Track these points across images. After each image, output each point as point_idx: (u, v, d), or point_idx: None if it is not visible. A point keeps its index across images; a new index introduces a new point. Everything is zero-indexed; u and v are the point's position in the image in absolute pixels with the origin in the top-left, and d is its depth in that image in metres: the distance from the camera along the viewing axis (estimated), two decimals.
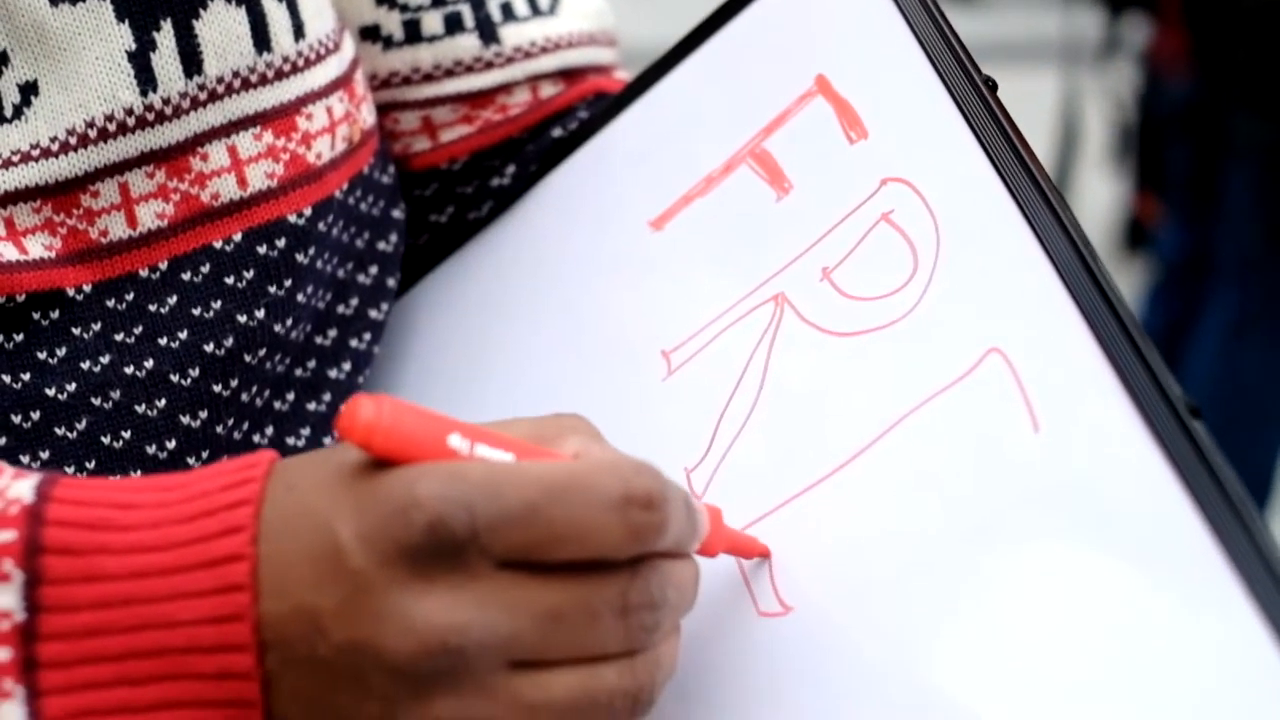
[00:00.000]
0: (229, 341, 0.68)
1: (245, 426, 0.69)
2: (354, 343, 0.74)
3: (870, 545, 0.59)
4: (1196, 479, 0.53)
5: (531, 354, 0.73)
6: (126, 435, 0.65)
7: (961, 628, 0.56)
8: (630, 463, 0.55)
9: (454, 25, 0.77)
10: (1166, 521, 0.53)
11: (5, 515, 0.55)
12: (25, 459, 0.63)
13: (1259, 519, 0.52)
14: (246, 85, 0.68)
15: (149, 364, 0.66)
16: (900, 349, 0.61)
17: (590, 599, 0.54)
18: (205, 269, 0.67)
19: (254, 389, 0.69)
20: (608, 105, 0.76)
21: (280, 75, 0.69)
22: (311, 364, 0.72)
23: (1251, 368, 2.88)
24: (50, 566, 0.54)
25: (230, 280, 0.68)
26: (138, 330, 0.66)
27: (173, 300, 0.67)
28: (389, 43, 0.77)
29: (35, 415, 0.64)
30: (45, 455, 0.64)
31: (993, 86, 0.63)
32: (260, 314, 0.68)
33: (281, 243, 0.69)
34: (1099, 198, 4.56)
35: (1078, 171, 4.36)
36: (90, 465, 0.65)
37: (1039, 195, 0.60)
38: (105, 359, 0.65)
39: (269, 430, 0.70)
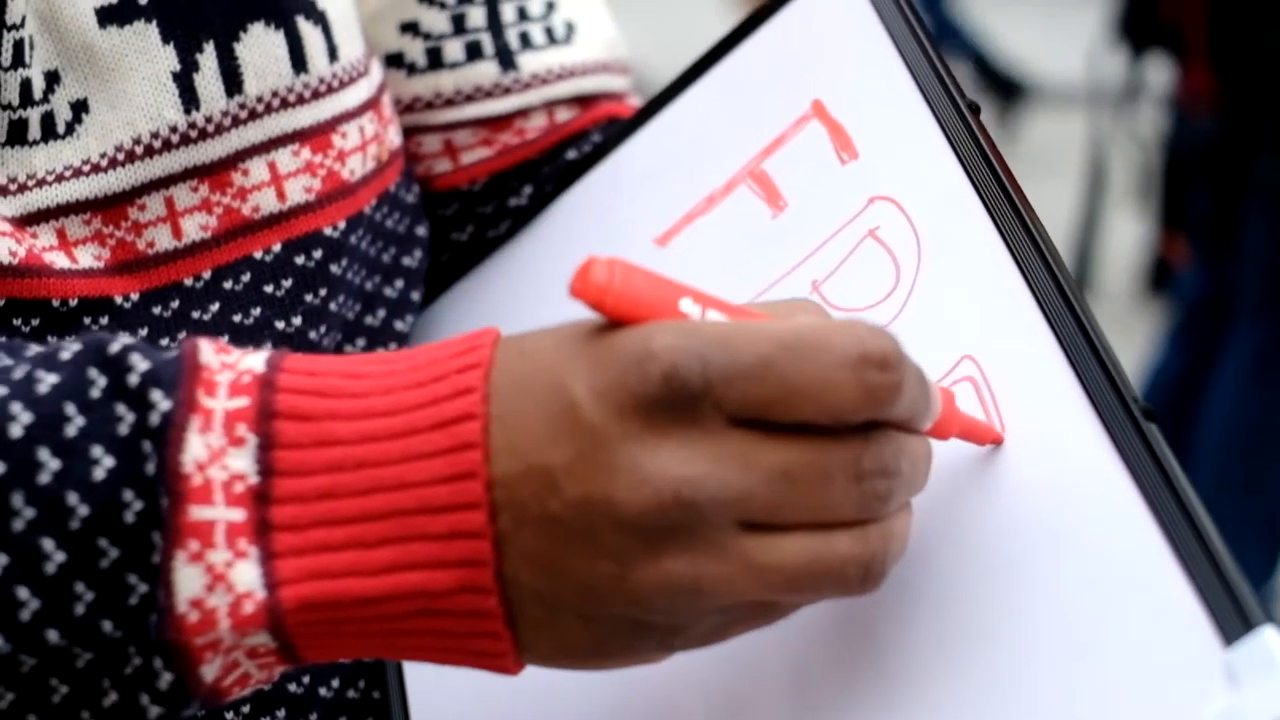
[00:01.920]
0: (267, 347, 0.70)
1: None
2: (380, 352, 0.78)
3: None
4: (1148, 477, 0.57)
5: None
6: None
7: (925, 618, 0.60)
8: (866, 324, 0.55)
9: (474, 53, 0.81)
10: (1119, 517, 0.57)
11: (238, 384, 0.56)
12: None
13: (1205, 517, 0.56)
14: (285, 104, 0.72)
15: None
16: None
17: (824, 461, 0.54)
18: (246, 278, 0.71)
19: None
20: (619, 129, 0.80)
21: (316, 95, 0.73)
22: None
23: (1271, 408, 2.89)
24: (283, 431, 0.55)
25: (269, 289, 0.72)
26: (182, 336, 0.69)
27: (215, 308, 0.70)
28: (412, 69, 0.81)
29: None
30: None
31: (976, 110, 0.67)
32: (297, 321, 0.72)
33: (318, 254, 0.73)
34: (1125, 239, 4.56)
35: (1105, 213, 4.37)
36: None
37: (1014, 213, 0.64)
38: None
39: None
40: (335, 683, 0.75)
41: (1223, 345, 2.97)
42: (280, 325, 0.72)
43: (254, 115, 0.71)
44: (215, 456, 0.55)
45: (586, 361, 0.54)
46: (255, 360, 0.57)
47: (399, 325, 0.79)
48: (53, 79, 0.67)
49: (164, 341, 0.69)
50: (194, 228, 0.70)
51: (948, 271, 0.65)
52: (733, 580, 0.54)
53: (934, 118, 0.67)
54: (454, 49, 0.81)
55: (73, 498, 0.55)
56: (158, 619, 0.54)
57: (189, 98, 0.69)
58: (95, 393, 0.56)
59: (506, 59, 0.81)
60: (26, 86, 0.66)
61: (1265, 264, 2.86)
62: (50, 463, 0.55)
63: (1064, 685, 0.56)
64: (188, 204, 0.70)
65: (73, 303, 0.67)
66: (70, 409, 0.55)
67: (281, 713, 0.72)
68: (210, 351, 0.57)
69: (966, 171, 0.66)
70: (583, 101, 0.84)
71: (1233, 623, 0.54)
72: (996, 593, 0.59)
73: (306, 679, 0.73)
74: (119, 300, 0.68)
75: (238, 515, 0.54)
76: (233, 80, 0.70)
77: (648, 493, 0.52)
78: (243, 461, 0.55)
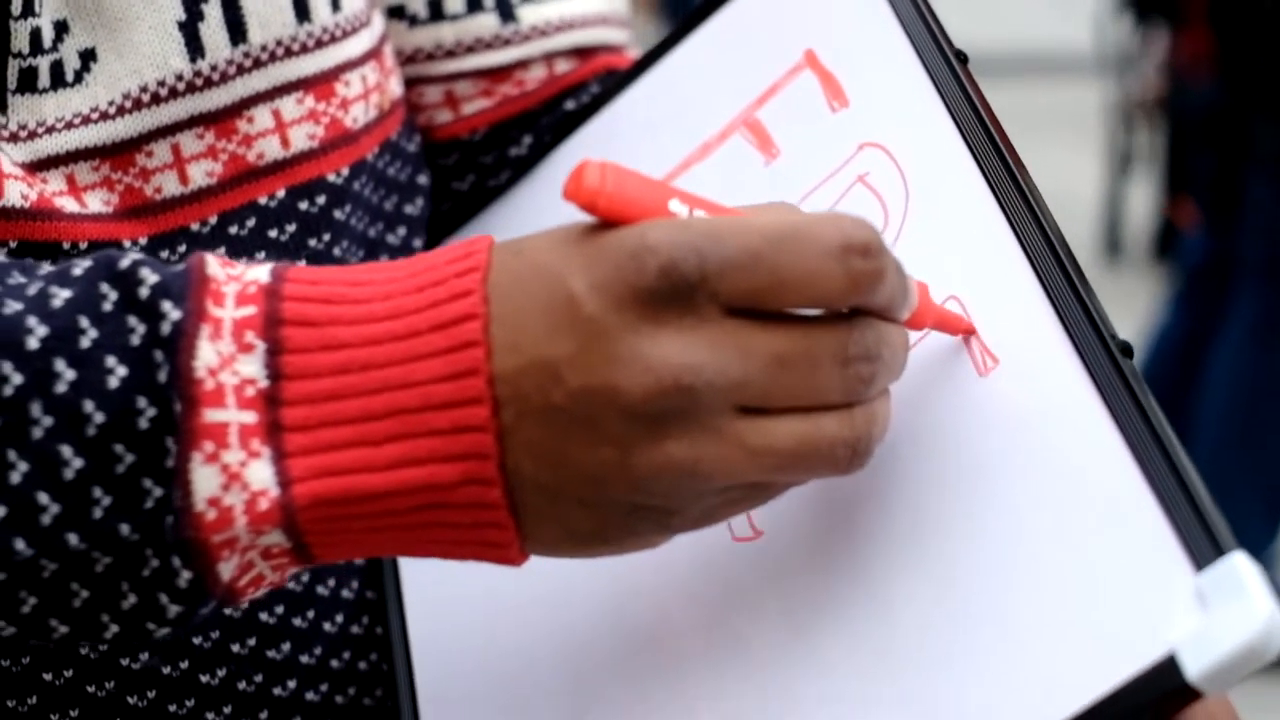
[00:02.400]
0: None
1: None
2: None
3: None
4: (1123, 409, 0.59)
5: None
6: None
7: (912, 549, 0.61)
8: (849, 217, 0.57)
9: (475, 5, 0.83)
10: (1095, 447, 0.59)
11: (245, 294, 0.58)
12: None
13: (1179, 447, 0.57)
14: (289, 53, 0.73)
15: None
16: None
17: (813, 347, 0.57)
18: (251, 223, 0.73)
19: None
20: (617, 79, 0.82)
21: (320, 44, 0.74)
22: None
23: (1273, 371, 2.90)
24: (289, 337, 0.57)
25: (274, 234, 0.73)
26: None
27: (221, 252, 0.72)
28: (414, 20, 0.83)
29: None
30: None
31: (963, 59, 0.69)
32: (301, 265, 0.74)
33: (321, 200, 0.74)
34: (1132, 205, 4.56)
35: (1124, 179, 4.37)
36: None
37: (999, 158, 0.65)
38: None
39: None
40: (355, 583, 0.77)
41: (1225, 309, 2.97)
42: None
43: (258, 64, 0.72)
44: (226, 362, 0.57)
45: (583, 258, 0.56)
46: (260, 271, 0.59)
47: None
48: (61, 28, 0.69)
49: None
50: (200, 174, 0.71)
51: (933, 214, 0.67)
52: (729, 461, 0.56)
53: (922, 66, 0.69)
54: (455, 1, 0.83)
55: (89, 405, 0.57)
56: (176, 518, 0.56)
57: (194, 46, 0.71)
58: (107, 306, 0.58)
59: (506, 11, 0.83)
60: (36, 35, 0.68)
61: (1267, 228, 2.87)
62: (66, 373, 0.57)
63: (1036, 611, 0.58)
64: (194, 151, 0.71)
65: (82, 245, 0.68)
66: (84, 321, 0.58)
67: (311, 613, 0.75)
68: (216, 264, 0.59)
69: (953, 118, 0.67)
70: (581, 53, 0.85)
71: (1204, 549, 0.55)
72: (975, 518, 0.60)
73: (332, 581, 0.76)
74: (127, 244, 0.70)
75: (249, 417, 0.57)
76: (237, 29, 0.72)
77: (650, 379, 0.55)
78: (252, 367, 0.57)
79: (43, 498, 0.57)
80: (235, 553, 0.58)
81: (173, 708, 0.71)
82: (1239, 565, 0.54)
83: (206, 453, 0.56)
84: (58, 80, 0.69)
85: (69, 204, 0.68)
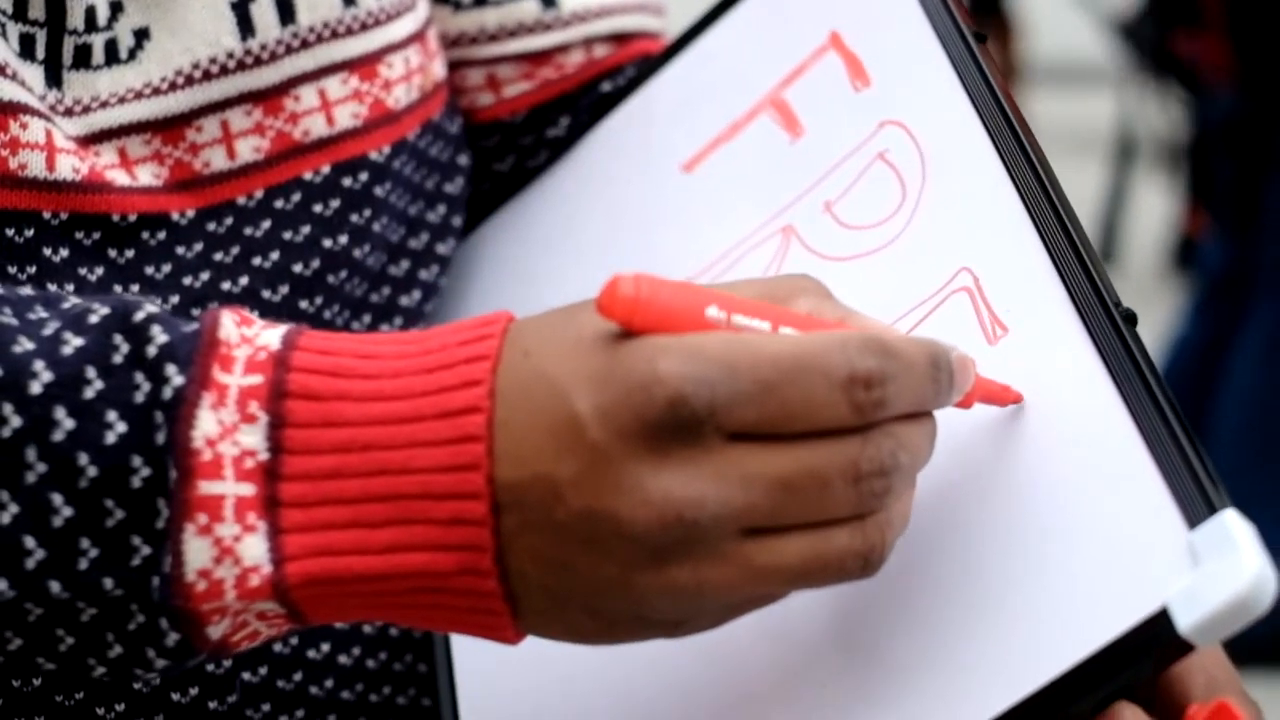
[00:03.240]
0: (315, 263, 0.75)
1: None
2: (423, 274, 0.81)
3: None
4: (1123, 372, 0.60)
5: (576, 282, 0.80)
6: None
7: (916, 509, 0.63)
8: (859, 339, 0.56)
9: None
10: (1096, 409, 0.60)
11: (254, 360, 0.58)
12: None
13: (1176, 409, 0.59)
14: (335, 35, 0.75)
15: (244, 281, 0.73)
16: (888, 270, 0.69)
17: (822, 468, 0.55)
18: (296, 198, 0.75)
19: (335, 308, 0.76)
20: (651, 63, 0.84)
21: (365, 27, 0.76)
22: (386, 290, 0.79)
23: None
24: (294, 410, 0.57)
25: (318, 209, 0.75)
26: (234, 251, 0.73)
27: (266, 225, 0.74)
28: (459, 5, 0.85)
29: None
30: None
31: (981, 39, 0.71)
32: (343, 240, 0.76)
33: (364, 177, 0.76)
34: (1151, 215, 4.51)
35: (1132, 189, 4.32)
36: None
37: (1012, 134, 0.67)
38: (205, 276, 0.72)
39: None
40: (384, 655, 0.78)
41: (1244, 318, 2.94)
42: (327, 243, 0.76)
43: (305, 44, 0.75)
44: (227, 432, 0.57)
45: (592, 379, 0.55)
46: (272, 336, 0.59)
47: (440, 249, 0.82)
48: (116, 8, 0.71)
49: (218, 256, 0.73)
50: (247, 149, 0.74)
51: (949, 190, 0.69)
52: (734, 582, 0.56)
53: (941, 46, 0.71)
54: None
55: (83, 458, 0.57)
56: (165, 584, 0.57)
57: (245, 26, 0.73)
58: (117, 358, 0.58)
59: None
60: (91, 14, 0.70)
61: None
62: (65, 422, 0.57)
63: (1034, 566, 0.59)
64: (242, 127, 0.74)
65: (132, 218, 0.71)
66: (91, 372, 0.58)
67: (329, 682, 0.76)
68: (231, 325, 0.59)
69: (970, 96, 0.69)
70: (619, 39, 0.87)
71: (1197, 507, 0.57)
72: (980, 477, 0.62)
73: (358, 650, 0.77)
74: (175, 216, 0.72)
75: (247, 490, 0.56)
76: (287, 10, 0.74)
77: (651, 513, 0.54)
78: (254, 438, 0.57)
79: (29, 542, 0.57)
80: (227, 616, 0.58)
81: (213, 704, 0.72)
82: (1230, 522, 0.55)
83: (200, 524, 0.56)
84: (112, 57, 0.71)
85: (120, 177, 0.71)
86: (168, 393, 0.57)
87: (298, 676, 0.75)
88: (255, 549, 0.56)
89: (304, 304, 0.75)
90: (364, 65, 0.77)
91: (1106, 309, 0.62)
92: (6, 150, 0.67)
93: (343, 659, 0.76)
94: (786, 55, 0.76)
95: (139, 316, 0.59)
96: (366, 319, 0.78)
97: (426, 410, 0.56)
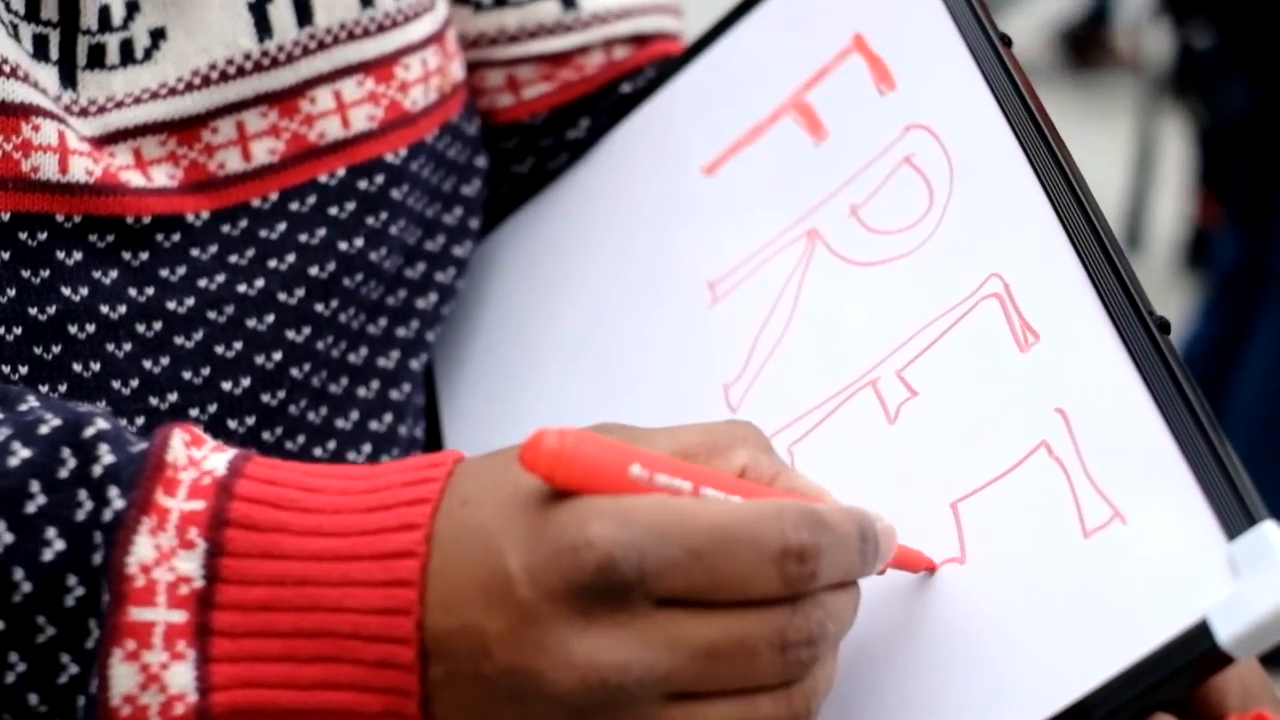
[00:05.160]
0: (331, 266, 0.74)
1: (344, 345, 0.76)
2: (440, 277, 0.80)
3: (879, 445, 0.66)
4: (1159, 382, 0.60)
5: (596, 285, 0.80)
6: (238, 346, 0.72)
7: (955, 516, 0.63)
8: (794, 510, 0.56)
9: None
10: (1132, 419, 0.60)
11: (198, 485, 0.57)
12: (148, 364, 0.70)
13: (1212, 420, 0.58)
14: (351, 36, 0.75)
15: (260, 283, 0.73)
16: (915, 276, 0.68)
17: (749, 637, 0.55)
18: (312, 200, 0.74)
19: (351, 311, 0.76)
20: (671, 64, 0.83)
21: (381, 28, 0.76)
22: (402, 293, 0.78)
23: None
24: (233, 539, 0.56)
25: (334, 211, 0.75)
26: (250, 253, 0.73)
27: (282, 227, 0.73)
28: (479, 6, 0.84)
29: (158, 325, 0.70)
30: (165, 361, 0.70)
31: (1007, 42, 0.70)
32: (359, 242, 0.75)
33: (380, 179, 0.76)
34: (1165, 212, 4.51)
35: (1153, 186, 4.32)
36: (205, 372, 0.71)
37: (1041, 138, 0.67)
38: (221, 278, 0.72)
39: (363, 350, 0.77)
40: None
41: (1256, 314, 2.94)
42: (343, 246, 0.75)
43: (322, 46, 0.74)
44: (164, 557, 0.56)
45: (524, 536, 0.55)
46: (219, 460, 0.58)
47: (457, 251, 0.82)
48: (133, 8, 0.71)
49: (233, 258, 0.72)
50: (263, 151, 0.73)
51: (978, 195, 0.68)
52: None
53: (967, 50, 0.70)
54: None
55: (19, 573, 0.56)
56: (90, 708, 0.56)
57: (263, 27, 0.73)
58: (63, 473, 0.58)
59: None
60: (105, 13, 0.70)
61: None
62: (4, 535, 0.57)
63: (1072, 577, 0.59)
64: (257, 128, 0.73)
65: (146, 220, 0.70)
66: (34, 486, 0.57)
67: None
68: (180, 446, 0.58)
69: (997, 100, 0.68)
70: (639, 40, 0.86)
71: (1236, 518, 0.56)
72: (1008, 490, 0.61)
73: None
74: (190, 218, 0.72)
75: (179, 617, 0.56)
76: (304, 12, 0.74)
77: (574, 675, 0.54)
78: (191, 564, 0.56)
79: None
80: None
81: None
82: (1270, 534, 0.55)
83: (127, 650, 0.56)
84: (127, 57, 0.71)
85: (135, 178, 0.70)
86: (108, 515, 0.57)
87: None
88: (182, 677, 0.56)
89: (320, 307, 0.75)
90: (380, 67, 0.76)
91: (1140, 316, 0.61)
92: (19, 153, 0.67)
93: None
94: (809, 58, 0.76)
95: (88, 433, 0.58)
96: (382, 322, 0.78)
97: (363, 550, 0.56)
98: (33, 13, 0.68)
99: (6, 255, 0.67)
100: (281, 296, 0.73)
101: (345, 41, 0.75)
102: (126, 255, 0.70)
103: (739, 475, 0.59)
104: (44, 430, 0.59)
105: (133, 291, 0.70)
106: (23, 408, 0.60)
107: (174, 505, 0.57)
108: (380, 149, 0.76)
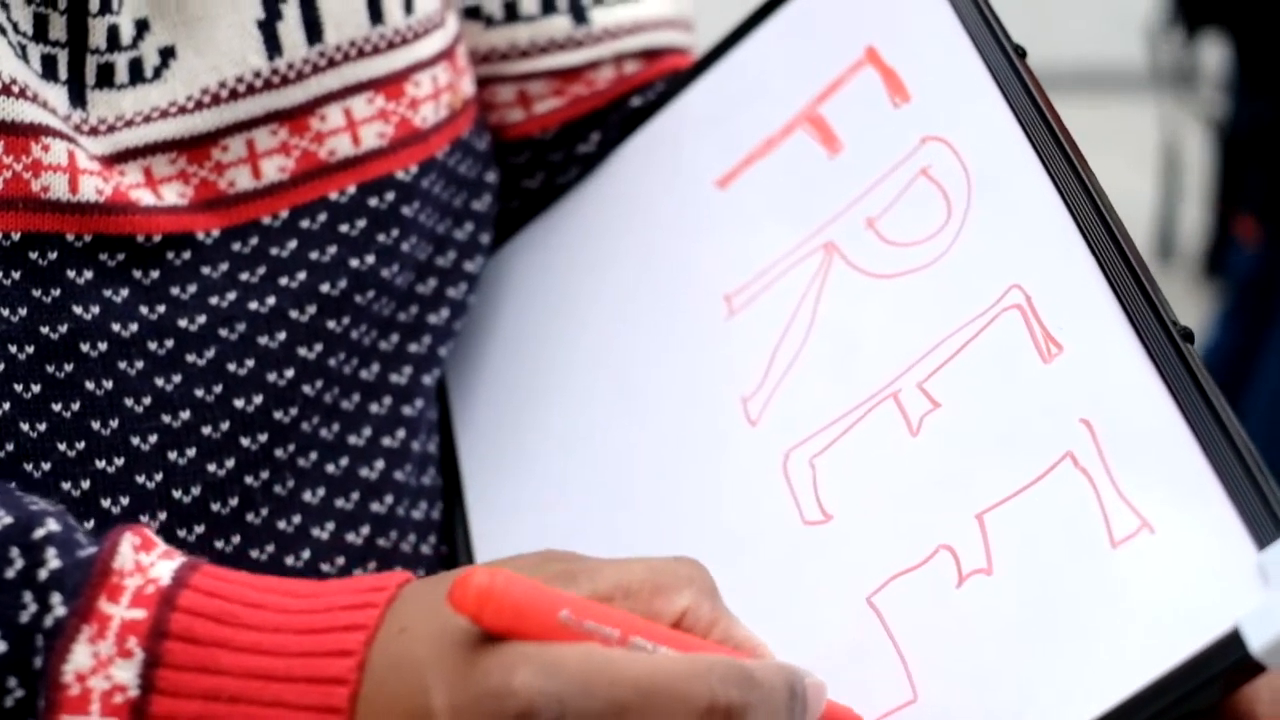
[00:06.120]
0: (342, 283, 0.74)
1: (355, 362, 0.76)
2: (451, 292, 0.80)
3: (901, 457, 0.66)
4: (1184, 392, 0.60)
5: (610, 300, 0.80)
6: (250, 364, 0.72)
7: (981, 528, 0.63)
8: (722, 667, 0.56)
9: (549, 7, 0.84)
10: (1158, 429, 0.60)
11: (141, 593, 0.57)
12: (160, 382, 0.70)
13: (1239, 428, 0.58)
14: (361, 54, 0.75)
15: (271, 301, 0.72)
16: (934, 288, 0.68)
17: None
18: (322, 218, 0.74)
19: (363, 327, 0.76)
20: (682, 77, 0.83)
21: (391, 45, 0.76)
22: (414, 309, 0.78)
23: None
24: (170, 651, 0.57)
25: (344, 228, 0.75)
26: (261, 271, 0.72)
27: (293, 245, 0.73)
28: (489, 21, 0.84)
29: (169, 343, 0.70)
30: (177, 379, 0.70)
31: (1022, 54, 0.70)
32: (370, 259, 0.75)
33: (390, 196, 0.76)
34: (1185, 222, 4.53)
35: (1180, 196, 4.33)
36: (217, 389, 0.71)
37: (1059, 149, 0.67)
38: (231, 296, 0.72)
39: (375, 367, 0.77)
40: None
41: (1272, 325, 2.95)
42: (355, 263, 0.75)
43: (332, 63, 0.74)
44: (101, 665, 0.56)
45: (451, 675, 0.55)
46: (165, 569, 0.58)
47: (468, 267, 0.82)
48: (142, 26, 0.70)
49: (244, 276, 0.72)
50: (273, 169, 0.73)
51: (996, 206, 0.68)
52: None
53: (981, 61, 0.70)
54: (530, 3, 0.84)
55: None
56: None
57: (272, 45, 0.73)
58: (10, 573, 0.58)
59: (579, 13, 0.84)
60: (114, 32, 0.70)
61: None
62: None
63: (1102, 587, 0.59)
64: (267, 146, 0.73)
65: (157, 238, 0.70)
66: None
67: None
68: (129, 551, 0.59)
69: (1013, 111, 0.68)
70: (650, 55, 0.86)
71: (1266, 527, 0.56)
72: (1035, 499, 0.61)
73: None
74: (201, 236, 0.71)
75: None
76: (314, 29, 0.74)
77: None
78: (127, 674, 0.56)
79: None
80: None
81: None
82: None
83: None
84: (136, 76, 0.70)
85: (145, 196, 0.70)
86: (49, 621, 0.57)
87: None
88: None
89: (331, 324, 0.74)
90: (390, 84, 0.76)
91: (1164, 326, 0.61)
92: (29, 173, 0.66)
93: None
94: (821, 70, 0.76)
95: (38, 534, 0.58)
96: (394, 338, 0.78)
97: (297, 672, 0.56)
98: (41, 33, 0.68)
99: (17, 275, 0.66)
100: (293, 314, 0.73)
101: (355, 59, 0.75)
102: (137, 274, 0.70)
103: (680, 617, 0.59)
104: None
105: (144, 310, 0.70)
106: None
107: (116, 612, 0.57)
108: (391, 166, 0.76)
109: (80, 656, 0.56)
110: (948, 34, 0.72)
